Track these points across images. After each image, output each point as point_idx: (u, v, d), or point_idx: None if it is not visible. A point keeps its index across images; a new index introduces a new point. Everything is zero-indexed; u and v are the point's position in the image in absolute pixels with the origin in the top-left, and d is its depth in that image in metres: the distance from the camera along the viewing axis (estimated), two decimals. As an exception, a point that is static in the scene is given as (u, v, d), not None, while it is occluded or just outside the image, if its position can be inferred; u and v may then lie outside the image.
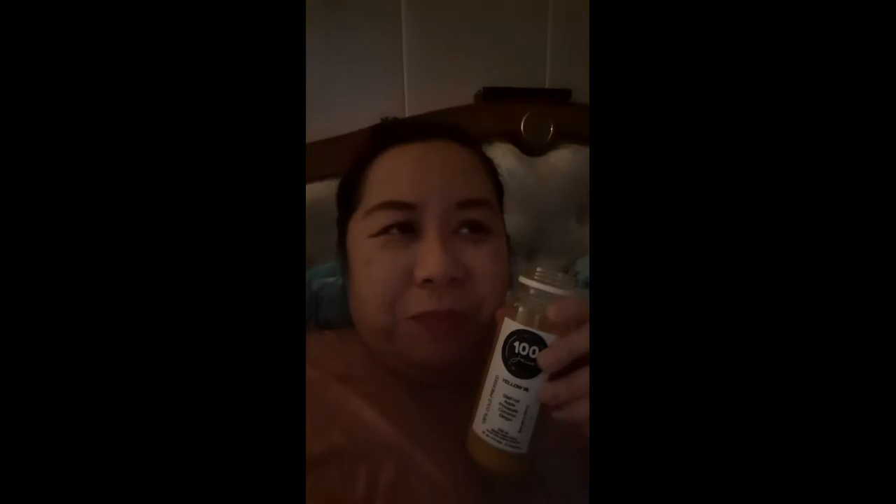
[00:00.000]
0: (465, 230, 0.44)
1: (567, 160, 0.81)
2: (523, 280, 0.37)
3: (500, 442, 0.36)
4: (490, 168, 0.50)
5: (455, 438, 0.39)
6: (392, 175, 0.45)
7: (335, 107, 0.76)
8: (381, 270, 0.42)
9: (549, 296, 0.36)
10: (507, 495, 0.42)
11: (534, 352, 0.35)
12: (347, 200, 0.48)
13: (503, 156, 0.77)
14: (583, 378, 0.32)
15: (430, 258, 0.41)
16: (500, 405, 0.36)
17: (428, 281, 0.41)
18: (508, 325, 0.36)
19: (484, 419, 0.37)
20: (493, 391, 0.37)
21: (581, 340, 0.33)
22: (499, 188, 0.50)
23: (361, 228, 0.45)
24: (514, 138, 0.79)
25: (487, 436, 0.37)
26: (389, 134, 0.49)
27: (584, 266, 0.79)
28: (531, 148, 0.80)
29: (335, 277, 0.59)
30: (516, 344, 0.35)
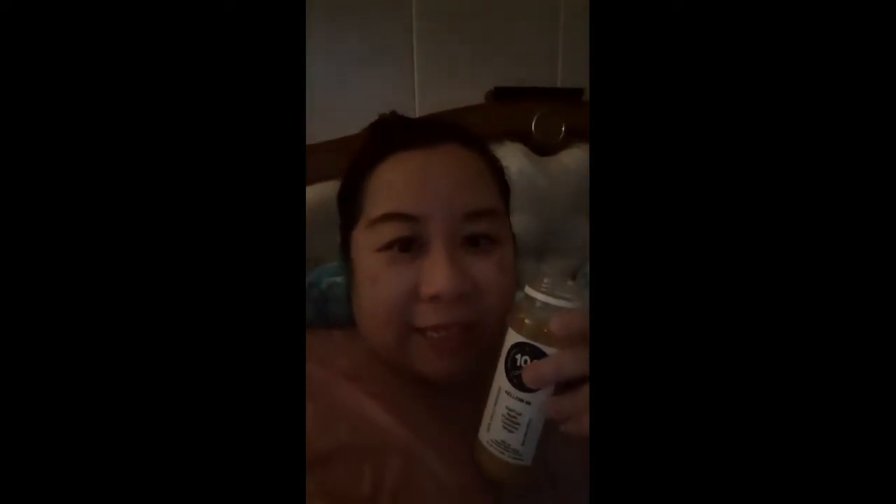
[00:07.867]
0: (471, 245, 0.43)
1: (578, 159, 0.80)
2: (529, 291, 0.36)
3: (503, 453, 0.36)
4: (496, 169, 0.48)
5: (461, 437, 0.39)
6: (395, 185, 0.44)
7: (347, 107, 0.76)
8: (387, 288, 0.42)
9: (555, 308, 0.34)
10: (515, 495, 0.42)
11: None
12: (349, 208, 0.47)
13: (514, 155, 0.76)
14: (588, 392, 0.32)
15: (436, 275, 0.40)
16: (502, 416, 0.36)
17: (435, 297, 0.40)
18: (511, 337, 0.36)
19: (488, 428, 0.37)
20: (496, 402, 0.36)
21: (574, 358, 0.32)
22: (505, 190, 0.49)
23: (366, 240, 0.44)
24: (524, 138, 0.79)
25: (491, 445, 0.36)
26: (390, 136, 0.47)
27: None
28: (542, 148, 0.79)
29: (342, 277, 0.59)
30: (518, 356, 0.35)
